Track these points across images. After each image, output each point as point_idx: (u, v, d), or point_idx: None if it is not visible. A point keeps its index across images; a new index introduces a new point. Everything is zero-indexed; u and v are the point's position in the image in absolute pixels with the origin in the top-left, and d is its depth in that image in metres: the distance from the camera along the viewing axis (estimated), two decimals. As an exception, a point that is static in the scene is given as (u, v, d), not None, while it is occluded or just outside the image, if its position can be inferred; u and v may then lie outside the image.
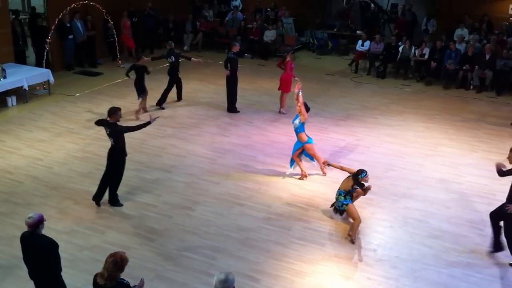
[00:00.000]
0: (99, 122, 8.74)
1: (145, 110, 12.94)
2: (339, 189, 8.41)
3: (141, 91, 12.81)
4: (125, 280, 5.11)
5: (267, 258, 7.63)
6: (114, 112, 8.44)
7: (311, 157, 9.99)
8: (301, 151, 9.90)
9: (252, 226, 8.45)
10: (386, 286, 7.08)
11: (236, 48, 13.43)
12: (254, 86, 15.69)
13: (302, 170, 9.99)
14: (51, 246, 5.67)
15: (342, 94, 15.26)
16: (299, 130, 9.73)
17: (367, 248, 7.94)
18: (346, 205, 8.22)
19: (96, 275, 5.09)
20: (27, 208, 8.62)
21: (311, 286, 7.07)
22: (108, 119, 8.52)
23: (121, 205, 8.86)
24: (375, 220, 8.72)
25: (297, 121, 9.71)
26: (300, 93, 9.84)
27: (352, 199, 8.38)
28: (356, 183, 8.24)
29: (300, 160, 9.99)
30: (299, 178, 9.96)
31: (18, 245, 5.91)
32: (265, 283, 7.10)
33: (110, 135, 8.54)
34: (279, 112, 13.51)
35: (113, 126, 8.46)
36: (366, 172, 8.27)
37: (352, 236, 8.04)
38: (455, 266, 7.52)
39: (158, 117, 9.97)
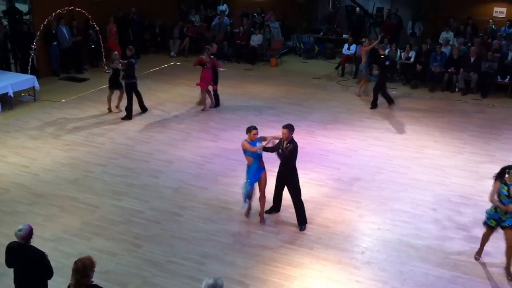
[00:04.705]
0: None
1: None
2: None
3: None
4: (98, 286, 5.11)
5: (256, 263, 7.63)
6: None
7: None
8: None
9: (241, 230, 8.45)
10: (375, 289, 7.11)
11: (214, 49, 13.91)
12: (241, 91, 15.70)
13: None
14: (43, 258, 5.66)
15: (329, 97, 15.32)
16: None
17: (355, 251, 7.97)
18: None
19: (69, 285, 5.10)
20: (13, 216, 8.55)
21: (300, 290, 7.09)
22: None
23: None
24: (363, 223, 8.75)
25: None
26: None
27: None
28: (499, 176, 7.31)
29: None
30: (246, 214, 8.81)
31: (4, 253, 5.85)
32: (254, 288, 7.11)
33: None
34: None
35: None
36: None
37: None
38: (443, 268, 7.57)
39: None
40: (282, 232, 8.40)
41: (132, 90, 13.07)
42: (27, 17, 16.60)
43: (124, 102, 13.27)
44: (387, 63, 14.52)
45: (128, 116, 13.10)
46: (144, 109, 13.59)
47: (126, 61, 12.87)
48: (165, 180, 10.05)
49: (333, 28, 20.62)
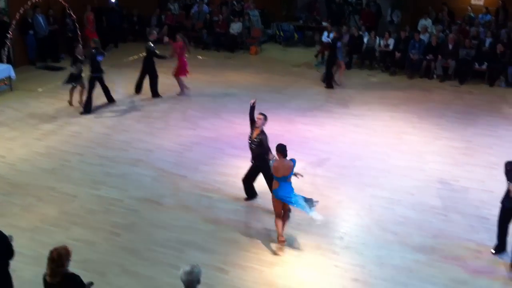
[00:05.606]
0: None
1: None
2: None
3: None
4: (74, 274, 5.12)
5: (236, 250, 7.65)
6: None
7: None
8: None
9: (220, 218, 8.45)
10: (353, 273, 7.17)
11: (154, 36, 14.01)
12: (220, 79, 15.65)
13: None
14: (4, 238, 5.66)
15: (309, 85, 15.33)
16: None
17: (334, 236, 8.02)
18: None
19: (44, 274, 5.07)
20: (-11, 206, 8.45)
21: (279, 275, 7.11)
22: None
23: None
24: (342, 208, 8.82)
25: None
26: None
27: None
28: None
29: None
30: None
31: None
32: (234, 274, 7.11)
33: None
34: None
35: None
36: None
37: None
38: (420, 251, 7.65)
39: None
40: (261, 219, 8.41)
41: (94, 83, 12.65)
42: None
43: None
44: (338, 44, 14.97)
45: (87, 110, 12.68)
46: (111, 100, 13.28)
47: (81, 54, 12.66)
48: (144, 169, 9.99)
49: (313, 16, 20.62)
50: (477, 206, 8.91)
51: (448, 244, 7.86)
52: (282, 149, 7.54)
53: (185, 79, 14.18)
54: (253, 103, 8.67)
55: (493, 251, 7.60)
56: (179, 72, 13.96)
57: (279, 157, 7.56)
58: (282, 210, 7.71)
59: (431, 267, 7.33)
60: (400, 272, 7.21)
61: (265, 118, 8.43)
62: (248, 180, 8.84)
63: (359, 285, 6.97)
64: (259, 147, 8.39)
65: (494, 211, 8.20)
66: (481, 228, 8.25)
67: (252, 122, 8.56)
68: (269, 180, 8.27)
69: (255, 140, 8.39)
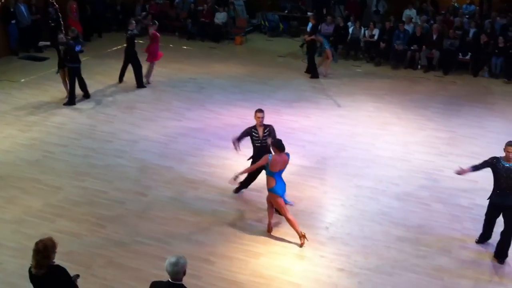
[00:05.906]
0: None
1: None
2: None
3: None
4: (60, 266, 5.09)
5: (222, 241, 7.66)
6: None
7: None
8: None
9: (207, 209, 8.45)
10: (338, 263, 7.23)
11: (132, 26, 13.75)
12: (206, 70, 15.56)
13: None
14: None
15: (294, 76, 15.32)
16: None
17: (319, 226, 8.07)
18: None
19: (30, 267, 5.04)
20: (-28, 198, 8.36)
21: (265, 266, 7.15)
22: None
23: None
24: (328, 199, 8.86)
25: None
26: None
27: None
28: None
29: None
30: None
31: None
32: (220, 265, 7.14)
33: None
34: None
35: None
36: None
37: None
38: (404, 241, 7.73)
39: None
40: (248, 210, 8.44)
41: (74, 74, 12.42)
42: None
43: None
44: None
45: (71, 102, 12.47)
46: (86, 95, 12.91)
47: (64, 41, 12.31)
48: (129, 160, 9.93)
49: (298, 6, 20.57)
50: (461, 196, 8.99)
51: (432, 233, 7.95)
52: (279, 144, 7.49)
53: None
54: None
55: (477, 240, 7.71)
56: (157, 56, 13.94)
57: (275, 152, 7.50)
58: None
59: (415, 256, 7.41)
60: (384, 261, 7.28)
61: (263, 113, 8.33)
62: (251, 179, 8.70)
63: (344, 274, 7.04)
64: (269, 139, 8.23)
65: (478, 200, 8.35)
66: (465, 217, 8.35)
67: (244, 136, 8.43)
68: None
69: (264, 136, 8.25)
